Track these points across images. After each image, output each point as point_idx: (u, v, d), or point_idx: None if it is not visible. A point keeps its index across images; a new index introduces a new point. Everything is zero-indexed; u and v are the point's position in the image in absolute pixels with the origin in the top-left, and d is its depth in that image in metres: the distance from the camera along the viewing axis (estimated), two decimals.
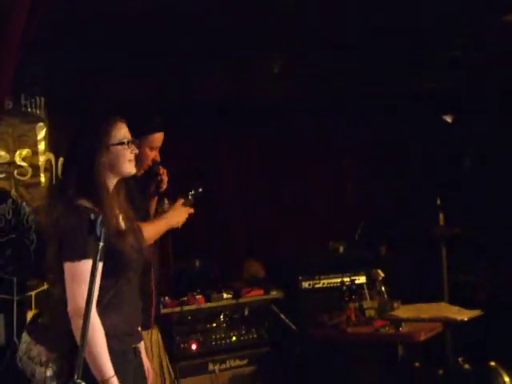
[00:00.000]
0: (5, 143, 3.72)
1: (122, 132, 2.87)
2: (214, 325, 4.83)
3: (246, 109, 5.73)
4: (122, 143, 2.85)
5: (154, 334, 3.74)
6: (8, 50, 3.41)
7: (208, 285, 4.98)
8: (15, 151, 3.77)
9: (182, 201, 3.54)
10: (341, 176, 6.31)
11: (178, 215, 3.50)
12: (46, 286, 3.67)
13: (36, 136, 3.86)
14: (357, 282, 4.95)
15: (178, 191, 3.63)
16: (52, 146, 3.93)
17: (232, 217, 5.98)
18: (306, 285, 5.29)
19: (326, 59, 5.21)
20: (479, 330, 4.80)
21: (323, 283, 5.29)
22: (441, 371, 4.75)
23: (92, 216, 2.36)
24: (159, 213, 3.57)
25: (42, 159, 3.87)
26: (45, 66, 3.96)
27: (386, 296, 4.62)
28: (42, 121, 3.91)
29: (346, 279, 4.89)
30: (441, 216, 5.35)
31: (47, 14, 3.56)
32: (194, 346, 4.72)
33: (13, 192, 3.72)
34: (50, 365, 2.71)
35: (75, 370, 2.27)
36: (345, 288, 4.74)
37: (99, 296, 2.66)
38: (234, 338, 4.89)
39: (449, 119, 6.12)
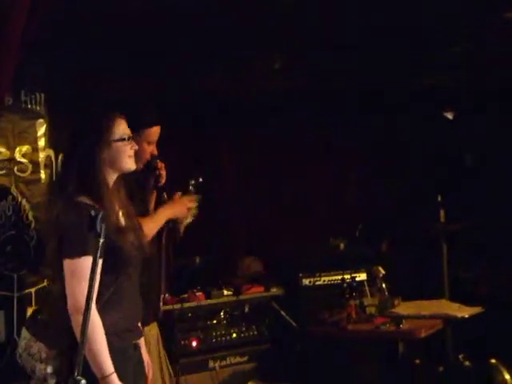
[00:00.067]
0: (5, 140, 3.70)
1: (122, 128, 2.89)
2: (215, 322, 4.84)
3: (246, 109, 5.72)
4: (122, 139, 2.86)
5: (153, 329, 3.75)
6: (8, 49, 3.41)
7: (208, 282, 5.00)
8: (15, 148, 3.75)
9: (180, 193, 3.55)
10: (341, 176, 6.31)
11: (178, 207, 3.51)
12: (46, 283, 3.67)
13: (36, 132, 3.85)
14: (357, 279, 4.94)
15: (178, 184, 3.63)
16: (52, 143, 3.91)
17: (232, 217, 5.98)
18: (306, 282, 5.28)
19: (326, 59, 5.21)
20: (480, 327, 4.79)
21: (324, 280, 5.27)
22: (441, 368, 4.77)
23: (92, 212, 2.36)
24: (159, 208, 3.58)
25: (42, 156, 3.85)
26: (45, 65, 3.95)
27: (386, 293, 4.63)
28: (42, 117, 3.89)
29: (347, 276, 4.89)
30: (441, 213, 5.35)
31: (47, 13, 3.56)
32: (194, 343, 4.72)
33: (13, 189, 3.71)
34: (50, 361, 2.72)
35: (75, 367, 2.27)
36: (345, 285, 4.75)
37: (99, 293, 2.66)
38: (234, 335, 4.90)
39: (450, 116, 6.12)
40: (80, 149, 2.81)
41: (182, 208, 3.54)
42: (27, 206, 3.74)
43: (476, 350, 4.87)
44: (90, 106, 3.76)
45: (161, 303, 3.60)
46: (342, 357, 4.78)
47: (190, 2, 3.98)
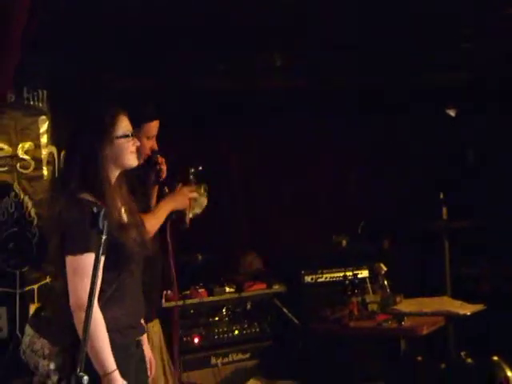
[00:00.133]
0: (7, 136, 3.72)
1: (125, 124, 2.88)
2: (217, 318, 4.85)
3: (246, 109, 5.73)
4: (125, 136, 2.86)
5: (156, 326, 3.74)
6: (9, 48, 3.42)
7: (210, 279, 4.99)
8: (18, 144, 3.76)
9: (180, 184, 3.54)
10: (341, 176, 6.31)
11: (178, 198, 3.49)
12: (48, 280, 3.67)
13: (38, 129, 3.85)
14: (359, 276, 4.95)
15: (178, 173, 3.62)
16: (54, 139, 3.92)
17: (232, 217, 5.98)
18: (308, 279, 5.28)
19: (326, 59, 5.22)
20: (482, 325, 4.77)
21: (326, 277, 5.28)
22: (443, 365, 4.75)
23: (94, 209, 2.35)
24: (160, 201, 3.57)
25: (44, 152, 3.85)
26: (45, 65, 3.96)
27: (388, 290, 4.61)
28: (45, 114, 3.89)
29: (349, 273, 4.91)
30: (444, 210, 5.35)
31: (47, 14, 3.57)
32: (196, 340, 4.73)
33: (15, 185, 3.72)
34: (53, 358, 2.72)
35: (78, 364, 2.27)
36: (347, 282, 4.73)
37: (101, 289, 2.67)
38: (236, 332, 4.91)
39: (452, 113, 6.12)
40: (82, 145, 2.80)
41: (182, 199, 3.51)
42: (30, 203, 3.75)
43: (478, 347, 4.85)
44: (92, 103, 3.76)
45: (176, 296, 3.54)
46: (344, 354, 4.78)
47: (189, 2, 3.99)
